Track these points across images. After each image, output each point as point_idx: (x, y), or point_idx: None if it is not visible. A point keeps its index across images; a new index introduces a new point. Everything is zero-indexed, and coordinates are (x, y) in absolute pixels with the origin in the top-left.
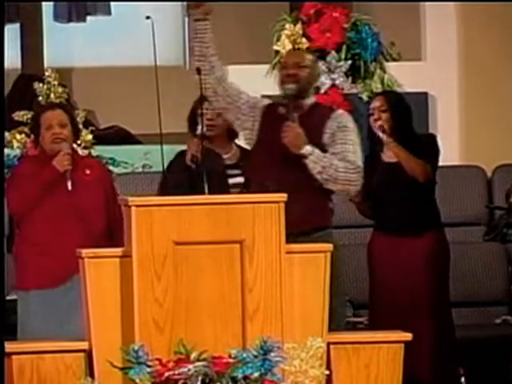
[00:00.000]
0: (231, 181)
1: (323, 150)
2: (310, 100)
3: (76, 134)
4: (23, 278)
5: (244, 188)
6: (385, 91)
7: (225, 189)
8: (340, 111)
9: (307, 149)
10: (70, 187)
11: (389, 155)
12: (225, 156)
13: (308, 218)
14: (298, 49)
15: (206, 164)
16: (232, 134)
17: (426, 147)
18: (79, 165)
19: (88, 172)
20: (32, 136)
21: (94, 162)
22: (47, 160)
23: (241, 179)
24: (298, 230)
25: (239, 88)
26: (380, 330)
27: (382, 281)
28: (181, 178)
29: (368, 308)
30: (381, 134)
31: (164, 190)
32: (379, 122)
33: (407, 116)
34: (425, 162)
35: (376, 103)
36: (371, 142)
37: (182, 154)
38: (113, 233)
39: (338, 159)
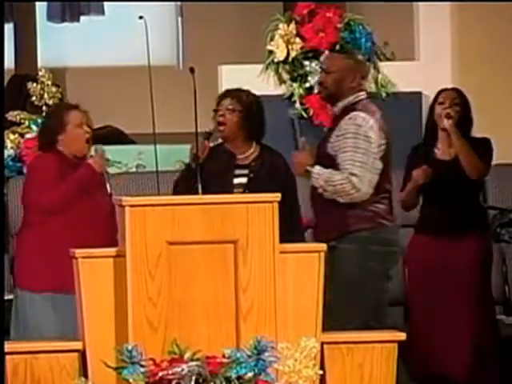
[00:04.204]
0: (236, 180)
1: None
2: (342, 103)
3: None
4: (35, 278)
5: (247, 189)
6: (457, 88)
7: (226, 188)
8: (350, 115)
9: (306, 175)
10: (109, 190)
11: (443, 152)
12: (239, 156)
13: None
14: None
15: (211, 163)
16: (253, 135)
17: (482, 149)
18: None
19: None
20: (28, 135)
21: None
22: (71, 160)
23: (244, 180)
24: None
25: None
26: (421, 332)
27: (423, 281)
28: (186, 178)
29: (409, 308)
30: (446, 121)
31: (175, 189)
32: (448, 111)
33: (472, 119)
34: (480, 160)
35: (451, 95)
36: (427, 133)
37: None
38: None
39: (337, 172)
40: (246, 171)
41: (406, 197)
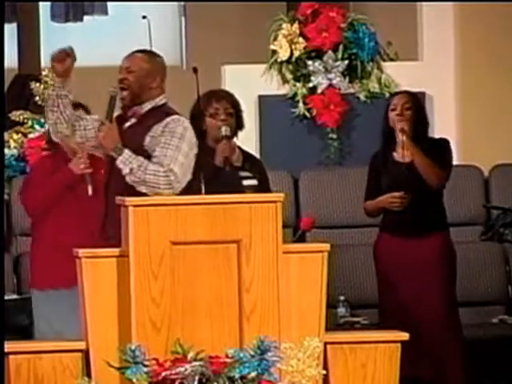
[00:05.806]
0: (245, 182)
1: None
2: (150, 104)
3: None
4: (39, 278)
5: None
6: (407, 91)
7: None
8: (175, 116)
9: (117, 150)
10: (90, 192)
11: (402, 154)
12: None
13: None
14: None
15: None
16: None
17: (440, 151)
18: (96, 166)
19: (103, 171)
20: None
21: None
22: (68, 160)
23: (253, 181)
24: None
25: None
26: (389, 329)
27: (389, 281)
28: (212, 180)
29: (378, 308)
30: (400, 136)
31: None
32: (401, 124)
33: (426, 118)
34: (439, 168)
35: (401, 100)
36: (384, 138)
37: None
38: None
39: (153, 162)
40: (246, 173)
41: (373, 211)
